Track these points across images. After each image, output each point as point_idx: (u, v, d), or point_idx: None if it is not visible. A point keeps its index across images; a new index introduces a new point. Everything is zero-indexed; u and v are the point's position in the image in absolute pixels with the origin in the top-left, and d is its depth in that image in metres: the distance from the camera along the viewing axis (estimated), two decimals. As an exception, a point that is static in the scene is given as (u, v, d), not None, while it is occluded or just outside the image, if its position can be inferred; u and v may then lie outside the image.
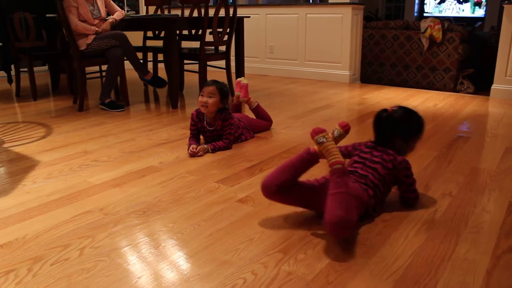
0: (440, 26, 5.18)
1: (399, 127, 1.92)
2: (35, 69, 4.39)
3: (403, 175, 1.87)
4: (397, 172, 1.86)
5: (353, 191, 1.69)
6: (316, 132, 1.73)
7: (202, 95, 2.68)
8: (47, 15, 4.75)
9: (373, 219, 1.81)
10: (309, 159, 1.75)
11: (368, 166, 1.86)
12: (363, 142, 2.02)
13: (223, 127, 2.74)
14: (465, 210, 1.91)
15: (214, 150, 2.70)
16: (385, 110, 1.96)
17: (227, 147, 2.75)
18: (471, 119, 3.62)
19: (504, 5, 4.36)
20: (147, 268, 1.48)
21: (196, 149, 2.63)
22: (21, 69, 4.58)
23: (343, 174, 1.64)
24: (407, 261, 1.51)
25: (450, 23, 5.28)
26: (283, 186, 1.73)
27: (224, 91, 2.70)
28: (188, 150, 2.66)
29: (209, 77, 5.54)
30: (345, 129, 1.85)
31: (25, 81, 4.91)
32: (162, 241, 1.66)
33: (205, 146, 2.69)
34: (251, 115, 3.25)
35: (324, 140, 1.70)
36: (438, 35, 5.20)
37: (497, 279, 1.42)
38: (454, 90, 5.22)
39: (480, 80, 5.31)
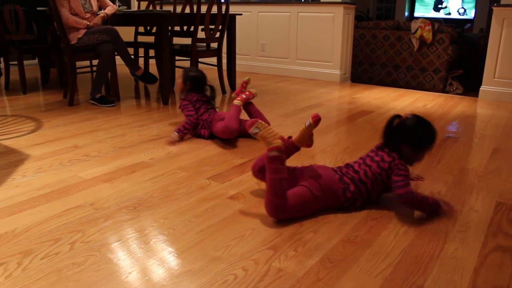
0: (430, 27, 5.23)
1: (408, 136, 1.87)
2: (25, 62, 4.33)
3: (395, 173, 1.85)
4: (391, 171, 1.86)
5: (323, 181, 1.83)
6: (249, 126, 1.82)
7: None
8: (38, 8, 4.71)
9: (365, 218, 1.83)
10: (274, 161, 1.78)
11: (365, 164, 1.91)
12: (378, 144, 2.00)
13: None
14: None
15: (179, 132, 2.88)
16: (398, 116, 1.91)
17: (184, 125, 2.91)
18: (460, 120, 3.66)
19: (493, 8, 4.41)
20: (137, 263, 1.48)
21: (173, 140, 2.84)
22: (10, 62, 4.53)
23: (276, 160, 1.76)
24: (396, 258, 1.53)
25: (440, 24, 5.33)
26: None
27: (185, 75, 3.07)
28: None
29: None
30: (314, 120, 1.90)
31: (14, 74, 4.86)
32: (153, 236, 1.66)
33: (174, 134, 2.87)
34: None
35: (257, 130, 1.80)
36: (428, 36, 5.24)
37: (484, 277, 1.44)
38: (444, 91, 5.27)
39: (469, 81, 5.37)
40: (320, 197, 1.82)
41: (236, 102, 2.91)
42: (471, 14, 11.46)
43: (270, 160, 1.77)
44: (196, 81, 3.07)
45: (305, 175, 1.87)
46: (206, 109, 2.99)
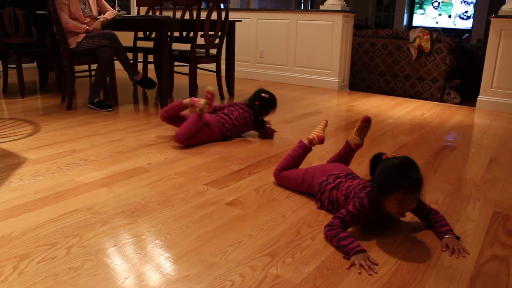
0: (428, 36, 5.26)
1: (374, 179, 1.67)
2: (23, 65, 4.34)
3: (346, 206, 1.76)
4: (347, 201, 1.80)
5: (319, 173, 2.06)
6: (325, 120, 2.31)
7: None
8: (37, 12, 4.72)
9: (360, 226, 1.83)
10: (300, 143, 2.23)
11: (353, 179, 1.91)
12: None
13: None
14: (450, 218, 1.94)
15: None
16: (381, 154, 1.71)
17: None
18: (457, 129, 3.67)
19: (491, 18, 4.44)
20: (134, 268, 1.47)
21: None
22: (9, 65, 4.53)
23: (302, 144, 2.21)
24: (393, 267, 1.53)
25: (438, 34, 5.36)
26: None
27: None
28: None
29: (199, 80, 5.55)
30: (362, 119, 2.10)
31: (12, 77, 4.85)
32: (150, 242, 1.65)
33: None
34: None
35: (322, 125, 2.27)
36: (426, 45, 5.27)
37: (481, 286, 1.44)
38: (441, 100, 5.30)
39: (466, 91, 5.40)
40: (306, 182, 2.08)
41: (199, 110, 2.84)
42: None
43: (299, 142, 2.23)
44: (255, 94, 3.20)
45: (324, 166, 2.16)
46: (229, 111, 3.11)
